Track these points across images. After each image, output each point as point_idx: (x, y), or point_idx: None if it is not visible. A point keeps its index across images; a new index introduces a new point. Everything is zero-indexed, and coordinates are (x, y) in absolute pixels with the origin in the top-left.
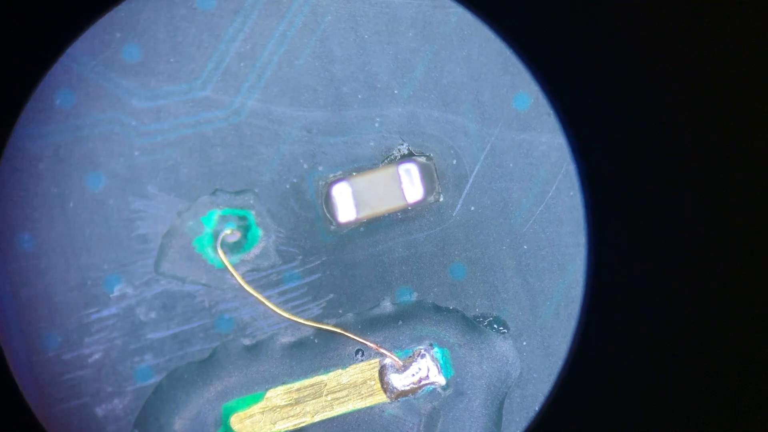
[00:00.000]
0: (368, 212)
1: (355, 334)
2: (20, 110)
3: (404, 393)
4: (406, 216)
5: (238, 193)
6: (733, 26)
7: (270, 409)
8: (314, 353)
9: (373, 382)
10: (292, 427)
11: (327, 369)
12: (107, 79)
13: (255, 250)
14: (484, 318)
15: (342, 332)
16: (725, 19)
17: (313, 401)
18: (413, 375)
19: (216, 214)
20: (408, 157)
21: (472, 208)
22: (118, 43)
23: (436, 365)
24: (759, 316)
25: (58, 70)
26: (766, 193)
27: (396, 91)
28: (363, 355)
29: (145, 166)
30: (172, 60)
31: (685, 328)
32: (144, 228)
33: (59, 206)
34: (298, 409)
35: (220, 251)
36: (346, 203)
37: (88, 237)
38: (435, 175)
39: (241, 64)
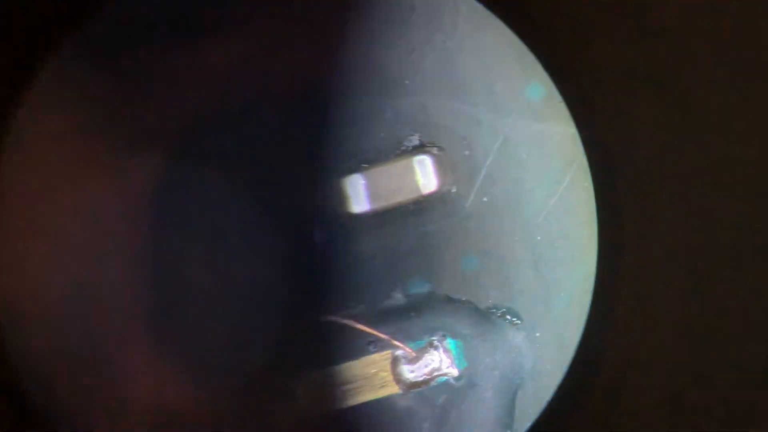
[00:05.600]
0: (381, 204)
1: (367, 326)
2: (22, 101)
3: (417, 384)
4: (418, 208)
5: None
6: (751, 16)
7: None
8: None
9: (385, 374)
10: None
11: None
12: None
13: None
14: (497, 309)
15: (353, 324)
16: (745, 7)
17: None
18: (426, 366)
19: None
20: (420, 148)
21: (485, 200)
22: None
23: (449, 357)
24: None
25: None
26: None
27: (407, 82)
28: (375, 346)
29: None
30: None
31: (700, 320)
32: None
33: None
34: None
35: None
36: (358, 195)
37: None
38: (447, 166)
39: None
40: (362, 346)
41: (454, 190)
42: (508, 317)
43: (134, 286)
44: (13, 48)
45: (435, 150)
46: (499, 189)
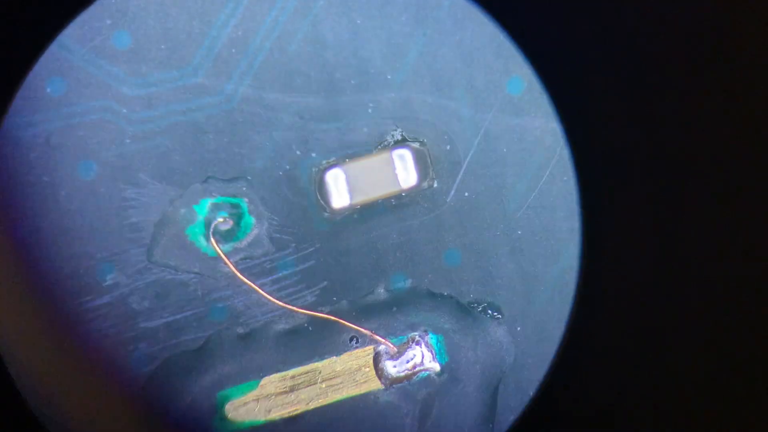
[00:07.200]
0: (362, 198)
1: (349, 321)
2: (11, 98)
3: (399, 379)
4: (400, 202)
5: (230, 180)
6: (727, 12)
7: (265, 397)
8: (308, 341)
9: (367, 369)
10: (287, 415)
11: (321, 356)
12: (98, 66)
13: (248, 238)
14: (479, 304)
15: (336, 319)
16: (718, 4)
17: (308, 388)
18: (408, 361)
19: (208, 202)
20: (402, 142)
21: (466, 194)
22: (108, 30)
23: (431, 351)
24: (749, 300)
25: (48, 58)
26: (757, 175)
27: (389, 77)
28: (357, 342)
29: (137, 154)
30: (162, 47)
31: (678, 314)
32: (136, 216)
33: (51, 195)
34: (292, 396)
35: (212, 239)
36: (340, 190)
37: (80, 226)
38: (429, 160)
39: (233, 50)
40: (345, 342)
41: (435, 184)
42: (490, 311)
43: None
44: None
45: (417, 144)
46: (480, 183)
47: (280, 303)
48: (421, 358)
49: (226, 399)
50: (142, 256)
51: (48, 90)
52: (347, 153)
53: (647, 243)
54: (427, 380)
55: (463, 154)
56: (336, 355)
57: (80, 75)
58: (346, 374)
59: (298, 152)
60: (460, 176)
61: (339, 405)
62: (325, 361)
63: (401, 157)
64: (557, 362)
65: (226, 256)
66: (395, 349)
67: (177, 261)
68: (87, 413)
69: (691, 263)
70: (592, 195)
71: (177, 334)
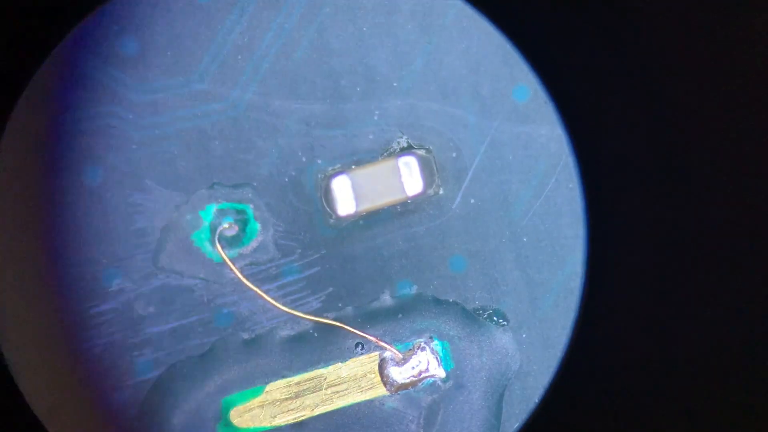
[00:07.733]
0: (368, 205)
1: (354, 328)
2: (16, 103)
3: (404, 386)
4: (405, 209)
5: (236, 186)
6: (728, 17)
7: (270, 403)
8: (314, 347)
9: (373, 375)
10: (292, 421)
11: (326, 362)
12: (104, 72)
13: (253, 244)
14: (484, 310)
15: (341, 326)
16: (720, 9)
17: (313, 395)
18: (413, 368)
19: (214, 207)
20: (407, 149)
21: (472, 201)
22: (115, 36)
23: (436, 358)
24: (757, 306)
25: (54, 63)
26: (760, 183)
27: (395, 84)
28: (363, 348)
29: (143, 160)
30: (169, 53)
31: (684, 320)
32: (142, 222)
33: (57, 200)
34: (297, 402)
35: (218, 245)
36: (346, 196)
37: (86, 231)
38: (434, 167)
39: (239, 57)
40: (350, 348)
41: (441, 191)
42: (495, 318)
43: None
44: None
45: (422, 151)
46: (485, 190)
47: (286, 309)
48: (427, 364)
49: (231, 405)
50: (147, 261)
51: (54, 95)
52: (353, 160)
53: (652, 249)
54: (433, 387)
55: (468, 162)
56: (341, 362)
57: (87, 80)
58: (352, 380)
59: (303, 159)
60: (465, 183)
61: (344, 411)
62: (331, 368)
63: (407, 165)
64: (562, 369)
65: (231, 261)
66: (400, 356)
67: (182, 266)
68: (91, 418)
69: (696, 270)
70: (597, 202)
71: (182, 340)
